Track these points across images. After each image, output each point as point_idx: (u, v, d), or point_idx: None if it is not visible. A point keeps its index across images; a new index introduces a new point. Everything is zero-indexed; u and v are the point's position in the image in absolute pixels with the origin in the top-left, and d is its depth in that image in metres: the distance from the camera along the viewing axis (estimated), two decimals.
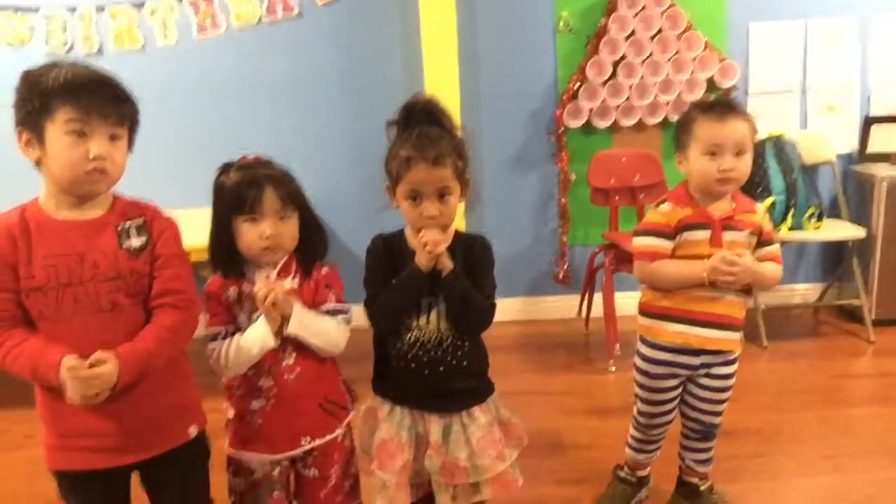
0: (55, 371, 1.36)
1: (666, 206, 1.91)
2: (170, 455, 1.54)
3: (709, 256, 1.83)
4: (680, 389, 2.01)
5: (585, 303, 3.80)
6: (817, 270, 4.05)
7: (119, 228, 1.48)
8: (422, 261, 1.59)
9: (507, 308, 3.85)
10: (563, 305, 3.97)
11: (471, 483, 1.69)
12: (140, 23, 3.62)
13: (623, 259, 3.33)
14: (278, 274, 1.64)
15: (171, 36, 3.64)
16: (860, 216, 3.73)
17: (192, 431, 1.58)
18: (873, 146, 3.81)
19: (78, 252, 1.43)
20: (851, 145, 3.87)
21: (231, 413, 1.70)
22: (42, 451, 1.52)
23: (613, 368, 3.27)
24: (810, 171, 3.68)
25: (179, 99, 3.69)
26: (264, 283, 1.58)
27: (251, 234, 1.60)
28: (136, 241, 1.48)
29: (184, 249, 1.57)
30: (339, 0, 3.65)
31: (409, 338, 1.66)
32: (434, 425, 1.68)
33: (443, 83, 3.55)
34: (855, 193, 3.85)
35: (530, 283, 4.00)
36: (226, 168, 1.65)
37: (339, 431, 1.73)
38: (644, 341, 1.99)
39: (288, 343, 1.64)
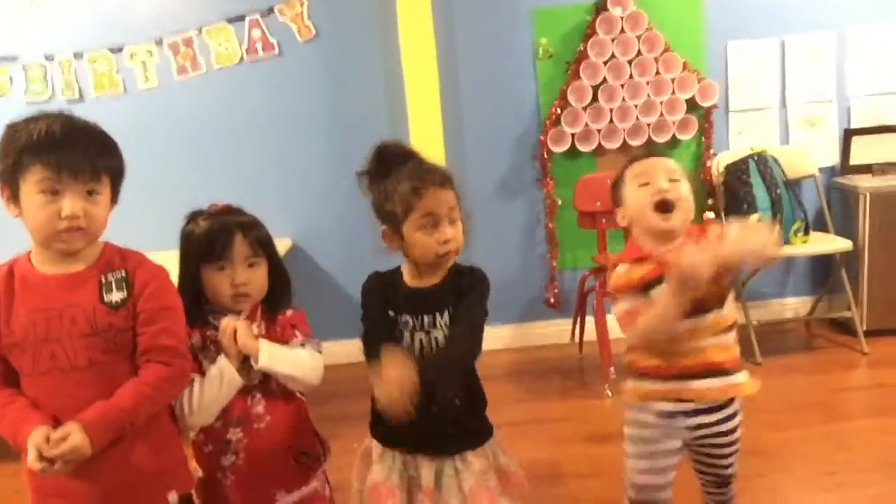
0: (27, 443, 1.34)
1: (621, 268, 1.73)
2: None
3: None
4: (680, 457, 1.79)
5: (578, 327, 3.79)
6: (807, 284, 4.06)
7: (102, 280, 1.44)
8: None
9: (498, 335, 3.83)
10: (556, 330, 3.96)
11: None
12: (119, 67, 3.62)
13: None
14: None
15: (151, 78, 3.65)
16: (845, 228, 3.74)
17: (172, 498, 1.50)
18: (855, 158, 3.84)
19: (57, 307, 1.40)
20: (833, 158, 3.90)
21: (199, 473, 1.63)
22: None
23: (610, 392, 3.24)
24: (794, 185, 3.70)
25: (162, 140, 3.69)
26: (229, 319, 1.58)
27: (221, 283, 1.58)
28: (116, 296, 1.44)
29: (173, 299, 1.51)
30: (319, 36, 3.67)
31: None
32: (426, 469, 1.63)
33: (425, 114, 3.57)
34: (839, 206, 3.87)
35: (521, 309, 3.99)
36: (194, 216, 1.64)
37: (315, 483, 1.69)
38: (633, 407, 1.79)
39: (256, 390, 1.61)
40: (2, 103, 3.57)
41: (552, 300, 3.92)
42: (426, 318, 1.62)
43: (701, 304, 1.63)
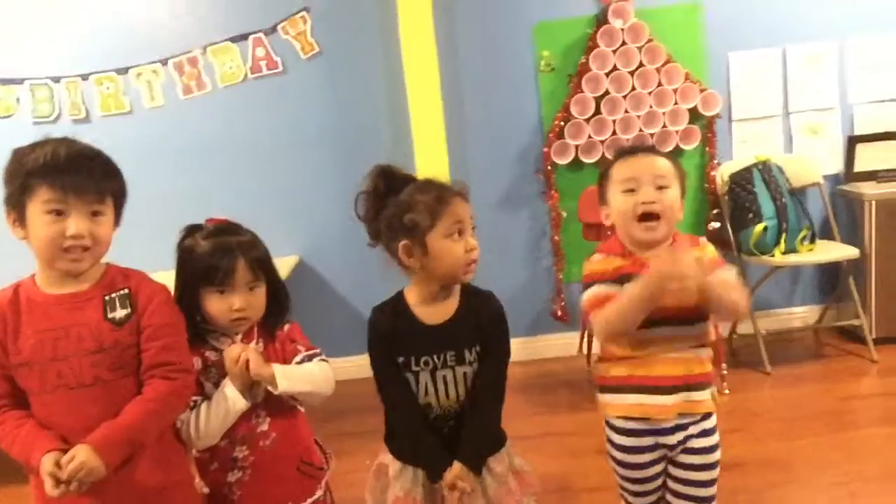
0: (38, 468, 1.36)
1: (597, 256, 1.71)
2: None
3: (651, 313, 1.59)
4: (663, 465, 1.74)
5: (585, 339, 3.78)
6: (814, 292, 4.05)
7: (106, 299, 1.46)
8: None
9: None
10: (563, 343, 3.95)
11: None
12: (126, 87, 3.65)
13: None
14: (241, 341, 1.63)
15: (157, 98, 3.67)
16: (852, 236, 3.74)
17: None
18: (859, 165, 3.84)
19: (63, 326, 1.42)
20: (837, 166, 3.90)
21: (206, 489, 1.63)
22: None
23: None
24: (798, 193, 3.70)
25: (169, 159, 3.71)
26: (235, 346, 1.58)
27: (220, 306, 1.58)
28: (119, 313, 1.46)
29: (176, 316, 1.54)
30: (322, 54, 3.69)
31: (431, 415, 1.63)
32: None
33: (429, 129, 3.59)
34: (844, 213, 3.87)
35: (528, 322, 3.99)
36: (191, 231, 1.63)
37: (319, 493, 1.70)
38: (609, 424, 1.75)
39: (260, 408, 1.61)
40: (9, 124, 3.60)
41: (559, 313, 3.92)
42: (449, 355, 1.60)
43: (689, 313, 1.61)
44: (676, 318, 1.62)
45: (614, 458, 1.76)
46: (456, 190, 1.61)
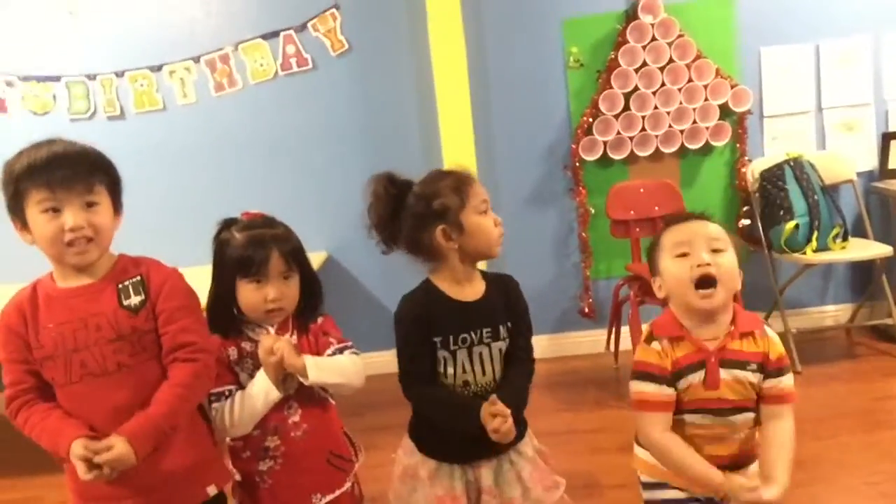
0: (68, 454, 1.40)
1: (657, 344, 1.56)
2: None
3: (702, 401, 1.53)
4: None
5: (613, 336, 3.77)
6: (847, 291, 3.99)
7: (119, 287, 1.51)
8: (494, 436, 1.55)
9: (533, 346, 3.82)
10: (591, 340, 3.94)
11: None
12: (159, 84, 3.71)
13: (648, 290, 3.29)
14: (276, 333, 1.66)
15: (189, 95, 3.72)
16: (885, 233, 3.68)
17: (211, 491, 1.56)
18: (894, 162, 3.78)
19: (81, 317, 1.47)
20: (871, 163, 3.84)
21: (237, 477, 1.68)
22: None
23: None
24: (831, 190, 3.64)
25: (200, 155, 3.77)
26: (269, 337, 1.61)
27: (255, 297, 1.61)
28: (134, 300, 1.50)
29: (191, 297, 1.57)
30: (352, 50, 3.72)
31: (469, 393, 1.64)
32: (485, 470, 1.65)
33: (457, 125, 3.59)
34: (878, 211, 3.81)
35: (556, 319, 3.98)
36: (227, 225, 1.67)
37: (347, 485, 1.72)
38: (645, 485, 1.67)
39: (292, 399, 1.64)
40: (46, 121, 3.68)
41: (587, 310, 3.91)
42: (485, 332, 1.63)
43: (742, 403, 1.55)
44: (737, 407, 1.55)
45: None
46: (468, 173, 1.68)
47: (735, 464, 1.57)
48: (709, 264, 1.51)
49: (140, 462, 1.41)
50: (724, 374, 1.53)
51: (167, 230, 3.62)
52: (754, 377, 1.54)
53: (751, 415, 1.57)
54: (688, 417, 1.56)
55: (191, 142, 3.75)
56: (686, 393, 1.54)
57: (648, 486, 1.65)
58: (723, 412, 1.54)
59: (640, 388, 1.57)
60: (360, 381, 1.68)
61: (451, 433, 1.61)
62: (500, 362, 1.66)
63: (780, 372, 1.55)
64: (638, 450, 1.68)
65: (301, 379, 1.61)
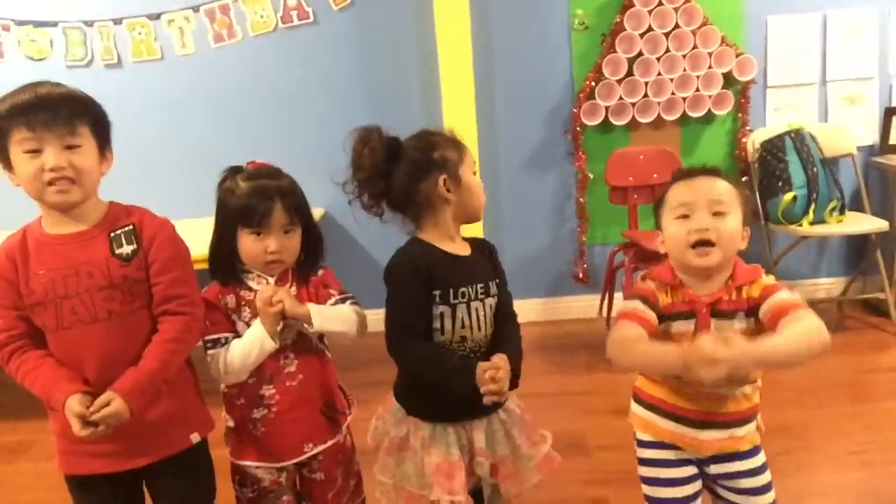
0: (63, 408, 1.42)
1: (650, 283, 1.57)
2: (171, 461, 1.56)
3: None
4: (699, 483, 1.61)
5: (606, 302, 3.79)
6: (840, 264, 4.01)
7: (112, 235, 1.51)
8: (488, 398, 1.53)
9: (527, 309, 3.83)
10: (584, 305, 3.96)
11: (519, 474, 1.69)
12: (157, 33, 3.65)
13: (643, 257, 3.31)
14: (276, 284, 1.66)
15: (188, 45, 3.67)
16: (883, 208, 3.69)
17: (194, 438, 1.60)
18: (895, 137, 3.76)
19: (72, 264, 1.47)
20: (872, 137, 3.82)
21: (231, 423, 1.70)
22: (56, 456, 1.56)
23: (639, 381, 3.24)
24: (831, 163, 3.64)
25: (198, 107, 3.73)
26: (268, 288, 1.61)
27: (256, 248, 1.61)
28: (126, 249, 1.50)
29: (182, 249, 1.58)
30: (354, 4, 3.66)
31: (464, 350, 1.63)
32: (477, 432, 1.64)
33: (458, 84, 3.56)
34: (877, 185, 3.81)
35: (549, 283, 4.00)
36: (232, 173, 1.66)
37: (339, 436, 1.74)
38: (640, 442, 1.66)
39: (289, 349, 1.65)
40: (43, 67, 3.63)
41: (580, 275, 3.92)
42: (479, 287, 1.63)
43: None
44: None
45: (643, 478, 1.64)
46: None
47: (735, 421, 1.55)
48: (707, 230, 1.48)
49: (134, 416, 1.44)
50: (714, 325, 1.50)
51: (160, 181, 3.60)
52: (741, 324, 1.50)
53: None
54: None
55: (188, 93, 3.71)
56: (671, 338, 1.51)
57: (643, 444, 1.65)
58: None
59: (626, 305, 1.56)
60: (363, 331, 1.69)
61: (444, 392, 1.59)
62: (492, 319, 1.66)
63: (769, 297, 1.48)
64: (635, 406, 1.68)
65: (305, 326, 1.62)
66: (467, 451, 1.65)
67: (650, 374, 1.58)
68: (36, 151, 1.41)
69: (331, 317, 1.64)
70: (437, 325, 1.60)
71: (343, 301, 1.70)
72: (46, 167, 1.41)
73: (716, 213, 1.50)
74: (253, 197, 1.59)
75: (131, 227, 1.52)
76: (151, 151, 3.64)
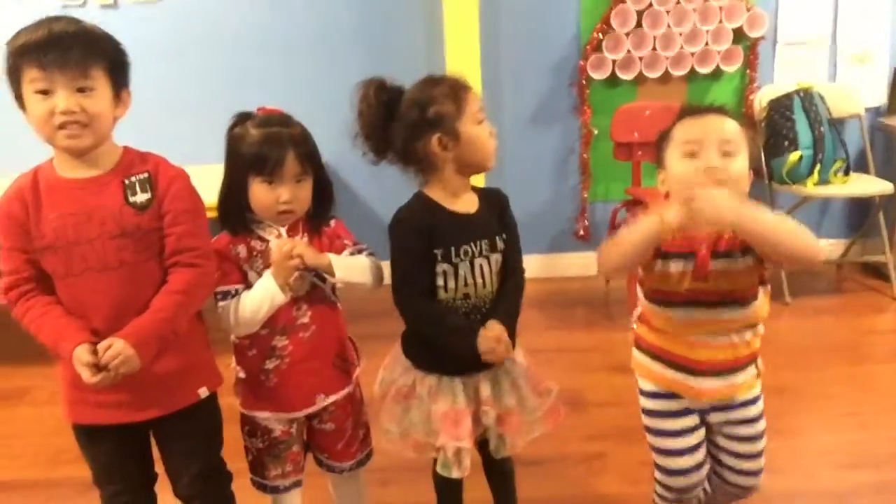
0: (70, 358, 1.39)
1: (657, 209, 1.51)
2: (180, 414, 1.54)
3: (687, 293, 1.49)
4: (702, 432, 1.63)
5: None
6: (842, 226, 3.99)
7: (126, 182, 1.46)
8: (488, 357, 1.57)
9: (526, 265, 3.77)
10: (584, 262, 3.93)
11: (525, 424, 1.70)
12: None
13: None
14: (287, 233, 1.63)
15: None
16: (887, 170, 3.65)
17: (203, 392, 1.57)
18: None
19: (85, 210, 1.43)
20: (881, 98, 3.77)
21: (241, 374, 1.68)
22: (62, 405, 1.54)
23: (635, 325, 3.24)
24: (838, 124, 3.59)
25: (196, 52, 3.64)
26: (284, 241, 1.58)
27: (268, 197, 1.57)
28: (140, 197, 1.46)
29: (197, 201, 1.54)
30: None
31: (468, 306, 1.62)
32: (483, 381, 1.65)
33: (463, 36, 3.47)
34: (882, 147, 3.77)
35: (550, 239, 3.97)
36: (242, 119, 1.61)
37: (350, 388, 1.74)
38: (643, 392, 1.67)
39: (302, 301, 1.63)
40: (35, 5, 3.52)
41: (581, 232, 3.90)
42: (484, 244, 1.61)
43: (740, 294, 1.51)
44: (725, 299, 1.51)
45: (647, 427, 1.66)
46: (464, 80, 1.60)
47: (732, 369, 1.55)
48: (716, 169, 1.44)
49: (145, 365, 1.41)
50: (714, 264, 1.48)
51: (154, 127, 3.53)
52: (743, 263, 1.48)
53: (740, 310, 1.52)
54: (679, 312, 1.54)
55: (186, 36, 3.61)
56: (676, 282, 1.50)
57: (646, 394, 1.65)
58: (713, 305, 1.51)
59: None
60: (381, 281, 1.68)
61: (447, 348, 1.61)
62: (499, 274, 1.65)
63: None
64: (636, 353, 1.68)
65: (328, 276, 1.60)
66: (473, 401, 1.66)
67: (639, 254, 1.46)
68: (46, 92, 1.36)
69: (351, 267, 1.63)
70: (440, 282, 1.59)
71: (359, 252, 1.68)
72: (57, 110, 1.36)
73: (725, 154, 1.46)
74: (265, 145, 1.54)
75: (147, 174, 1.48)
76: (146, 94, 3.56)
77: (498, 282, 1.65)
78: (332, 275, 1.59)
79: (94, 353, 1.37)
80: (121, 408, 1.49)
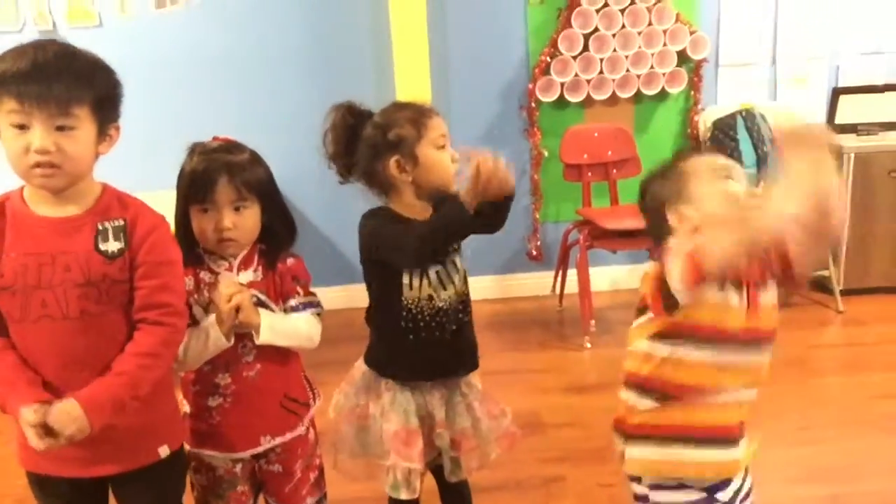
0: (17, 415, 1.30)
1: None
2: (138, 473, 1.45)
3: (743, 331, 1.31)
4: None
5: (559, 279, 3.79)
6: None
7: (99, 227, 1.36)
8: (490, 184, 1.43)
9: (479, 286, 3.79)
10: (536, 282, 3.95)
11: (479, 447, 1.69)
12: None
13: (597, 235, 3.32)
14: (239, 266, 1.58)
15: (127, 10, 3.51)
16: None
17: (163, 452, 1.47)
18: (841, 117, 3.83)
19: (50, 252, 1.33)
20: (820, 117, 3.88)
21: (187, 408, 1.63)
22: (17, 449, 1.44)
23: (589, 345, 3.26)
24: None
25: (139, 76, 3.51)
26: (231, 285, 1.52)
27: (204, 225, 1.53)
28: (112, 245, 1.36)
29: (173, 253, 1.44)
30: None
31: (440, 308, 1.62)
32: (437, 402, 1.65)
33: (412, 57, 3.48)
34: None
35: (503, 260, 3.97)
36: (192, 150, 1.58)
37: (301, 429, 1.67)
38: (656, 487, 1.39)
39: (247, 338, 1.57)
40: None
41: (534, 252, 3.91)
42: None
43: (774, 333, 1.36)
44: (771, 338, 1.36)
45: None
46: (430, 106, 1.66)
47: (743, 433, 1.41)
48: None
49: (95, 432, 1.30)
50: (762, 298, 1.31)
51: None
52: (772, 296, 1.36)
53: (768, 352, 1.38)
54: (725, 357, 1.34)
55: (128, 61, 3.48)
56: (724, 316, 1.30)
57: (657, 487, 1.40)
58: (762, 346, 1.36)
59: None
60: (312, 345, 1.64)
61: (416, 348, 1.62)
62: (460, 276, 1.66)
63: None
64: (633, 451, 1.41)
65: (253, 335, 1.56)
66: (426, 424, 1.65)
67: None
68: (23, 127, 1.26)
69: (282, 332, 1.57)
70: (405, 280, 1.61)
71: (305, 306, 1.63)
72: (32, 148, 1.25)
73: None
74: (198, 172, 1.52)
75: (122, 222, 1.37)
76: None
77: (462, 283, 1.66)
78: (258, 337, 1.54)
79: (42, 413, 1.27)
80: (75, 461, 1.39)
